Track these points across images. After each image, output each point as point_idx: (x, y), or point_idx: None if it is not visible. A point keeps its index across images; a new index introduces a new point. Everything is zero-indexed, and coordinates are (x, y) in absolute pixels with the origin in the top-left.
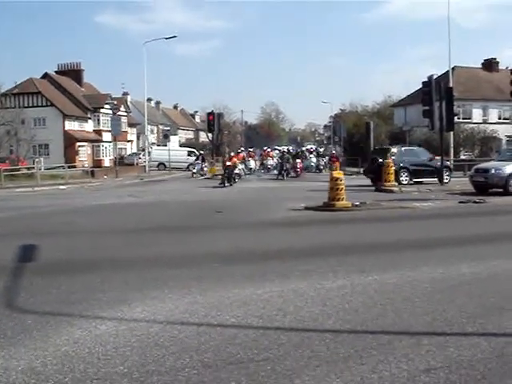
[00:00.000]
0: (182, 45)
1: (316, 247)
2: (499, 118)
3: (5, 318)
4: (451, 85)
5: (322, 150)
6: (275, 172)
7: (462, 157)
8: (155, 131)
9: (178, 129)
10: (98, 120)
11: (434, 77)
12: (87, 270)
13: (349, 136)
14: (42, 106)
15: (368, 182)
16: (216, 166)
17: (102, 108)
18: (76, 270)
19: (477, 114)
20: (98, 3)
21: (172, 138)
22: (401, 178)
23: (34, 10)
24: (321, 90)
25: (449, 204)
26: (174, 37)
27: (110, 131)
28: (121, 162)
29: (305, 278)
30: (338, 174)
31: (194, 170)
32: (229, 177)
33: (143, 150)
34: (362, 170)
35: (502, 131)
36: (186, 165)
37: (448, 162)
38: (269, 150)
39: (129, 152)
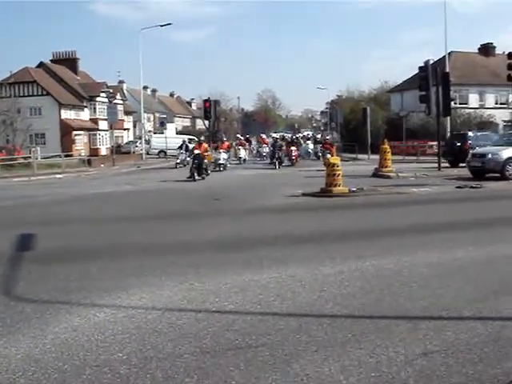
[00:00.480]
0: (177, 32)
1: (313, 233)
2: (496, 103)
3: (3, 306)
4: (447, 70)
5: (319, 136)
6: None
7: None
8: (152, 119)
9: (175, 116)
10: (94, 108)
11: (431, 62)
12: (85, 259)
13: (345, 122)
14: (38, 95)
15: (365, 168)
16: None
17: (98, 96)
18: (74, 259)
19: (473, 99)
20: None
21: (168, 125)
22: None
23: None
24: (317, 76)
25: (446, 189)
26: (169, 24)
27: (106, 119)
28: (117, 150)
29: (302, 264)
30: (334, 159)
31: (178, 161)
32: (198, 168)
33: (140, 138)
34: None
35: (499, 116)
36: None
37: None
38: (264, 136)
39: (125, 140)
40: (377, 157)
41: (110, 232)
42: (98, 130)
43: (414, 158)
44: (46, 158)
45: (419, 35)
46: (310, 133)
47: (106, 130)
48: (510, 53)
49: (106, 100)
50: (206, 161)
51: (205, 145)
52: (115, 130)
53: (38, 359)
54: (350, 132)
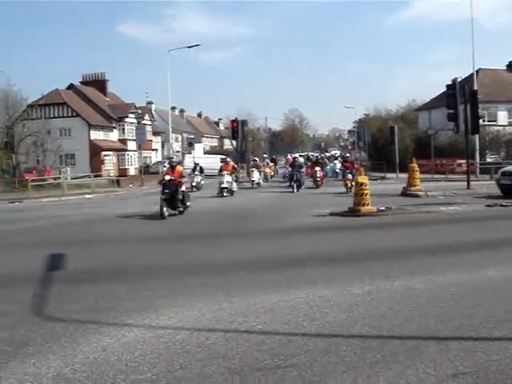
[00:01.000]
0: (204, 53)
1: (341, 253)
2: None
3: (34, 325)
4: (475, 87)
5: (348, 155)
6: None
7: (488, 160)
8: (180, 139)
9: (203, 136)
10: (123, 129)
11: (458, 79)
12: (114, 279)
13: (373, 141)
14: (68, 117)
15: (394, 186)
16: (240, 172)
17: (127, 117)
18: (103, 279)
19: (502, 117)
20: (119, 13)
21: (196, 145)
22: None
23: (56, 22)
24: (344, 95)
25: (475, 208)
26: (197, 45)
27: (134, 140)
28: (146, 170)
29: (331, 284)
30: (362, 179)
31: (194, 183)
32: (172, 199)
33: (168, 158)
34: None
35: None
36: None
37: None
38: (289, 156)
39: (154, 160)
40: (405, 175)
41: (139, 252)
42: (127, 150)
43: (443, 176)
44: (76, 178)
45: (446, 52)
46: (338, 152)
47: (135, 151)
48: None
49: (134, 121)
50: (183, 188)
51: (179, 168)
52: (143, 151)
53: (69, 378)
54: (378, 151)
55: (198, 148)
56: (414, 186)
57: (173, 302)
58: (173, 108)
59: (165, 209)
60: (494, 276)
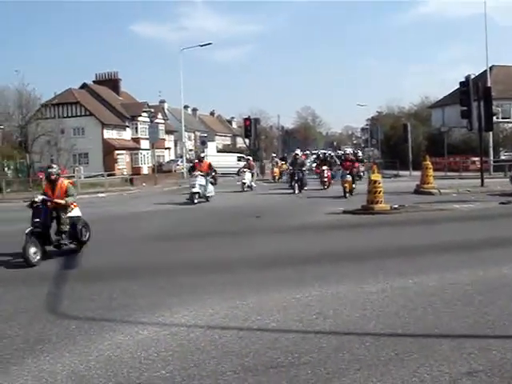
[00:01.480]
0: (217, 51)
1: (355, 250)
2: None
3: (49, 323)
4: (489, 84)
5: (360, 153)
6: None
7: (502, 157)
8: (192, 138)
9: (215, 135)
10: (136, 128)
11: (472, 76)
12: (127, 277)
13: (386, 138)
14: (81, 116)
15: (407, 184)
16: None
17: (140, 116)
18: (117, 277)
19: None
20: (133, 12)
21: (209, 144)
22: None
23: (70, 21)
24: (357, 92)
25: (489, 205)
26: (210, 44)
27: (147, 139)
28: (159, 169)
29: (344, 282)
30: (375, 176)
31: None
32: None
33: (181, 156)
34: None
35: None
36: (236, 170)
37: None
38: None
39: (167, 159)
40: (418, 173)
41: (152, 250)
42: (140, 149)
43: (456, 173)
44: (89, 177)
45: (460, 49)
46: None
47: (148, 149)
48: None
49: (147, 119)
50: (67, 215)
51: (207, 161)
52: (156, 149)
53: (83, 376)
54: (391, 148)
55: (211, 146)
56: (428, 183)
57: (186, 300)
58: (185, 107)
59: (32, 250)
60: (508, 273)
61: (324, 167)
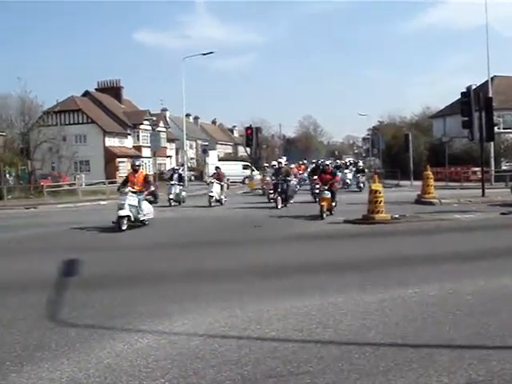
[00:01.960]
0: (219, 60)
1: (354, 260)
2: None
3: (49, 331)
4: (490, 94)
5: (361, 163)
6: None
7: (504, 167)
8: (194, 146)
9: (217, 143)
10: (138, 136)
11: (473, 87)
12: (128, 285)
13: (387, 148)
14: (83, 123)
15: (408, 194)
16: (254, 180)
17: (142, 124)
18: (117, 285)
19: None
20: (136, 21)
21: (211, 152)
22: None
23: (72, 29)
24: (358, 102)
25: (490, 215)
26: (212, 52)
27: (149, 147)
28: (160, 177)
29: (344, 292)
30: (376, 186)
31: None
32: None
33: (182, 164)
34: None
35: None
36: (242, 178)
37: None
38: (299, 163)
39: (168, 167)
40: (419, 183)
41: (152, 258)
42: (141, 157)
43: (458, 184)
44: (91, 184)
45: (462, 59)
46: (351, 159)
47: (149, 157)
48: None
49: (149, 128)
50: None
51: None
52: (158, 157)
53: (82, 383)
54: (392, 158)
55: (213, 155)
56: (429, 193)
57: (186, 309)
58: (187, 115)
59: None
60: (509, 284)
61: (315, 177)
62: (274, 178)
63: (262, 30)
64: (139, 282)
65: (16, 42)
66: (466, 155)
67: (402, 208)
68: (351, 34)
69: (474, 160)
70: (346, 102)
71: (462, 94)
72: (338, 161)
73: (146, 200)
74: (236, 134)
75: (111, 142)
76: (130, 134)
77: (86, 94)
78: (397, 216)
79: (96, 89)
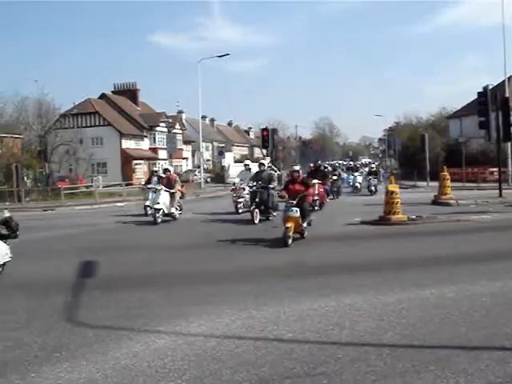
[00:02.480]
0: (235, 62)
1: (372, 261)
2: None
3: (67, 331)
4: (507, 94)
5: (373, 165)
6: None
7: None
8: (210, 148)
9: (233, 145)
10: (154, 138)
11: (490, 87)
12: (144, 286)
13: (404, 149)
14: (100, 126)
15: (424, 195)
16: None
17: (158, 126)
18: (134, 286)
19: None
20: (151, 23)
21: (227, 154)
22: None
23: (88, 32)
24: (375, 103)
25: (507, 216)
26: (228, 54)
27: (165, 149)
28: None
29: (361, 293)
30: (393, 187)
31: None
32: None
33: (198, 166)
34: None
35: None
36: None
37: None
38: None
39: (184, 169)
40: (436, 184)
41: (168, 260)
42: (158, 159)
43: (474, 184)
44: (108, 186)
45: (479, 60)
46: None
47: (166, 159)
48: None
49: (165, 130)
50: None
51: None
52: (174, 159)
53: None
54: (409, 159)
55: (229, 157)
56: (445, 194)
57: (203, 310)
58: (203, 117)
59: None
60: None
61: (314, 181)
62: (251, 183)
63: (277, 31)
64: (156, 284)
65: (33, 46)
66: (483, 156)
67: (419, 209)
68: (367, 34)
69: (491, 160)
70: (363, 102)
71: (479, 94)
72: (351, 162)
73: None
74: (252, 136)
75: (128, 144)
76: (146, 136)
77: (103, 96)
78: (413, 217)
79: (112, 91)
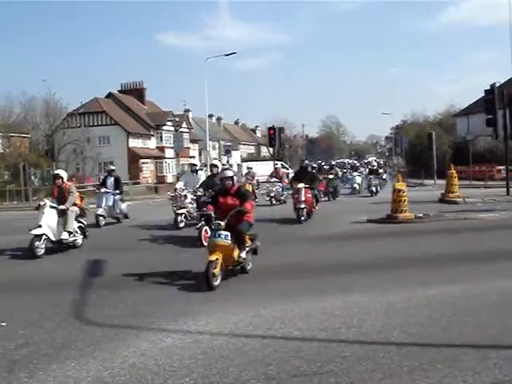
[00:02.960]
0: (241, 60)
1: (379, 260)
2: None
3: (75, 330)
4: None
5: (375, 163)
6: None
7: None
8: (217, 147)
9: (240, 144)
10: (161, 137)
11: (497, 84)
12: (152, 285)
13: (411, 147)
14: (107, 125)
15: (431, 193)
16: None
17: (165, 125)
18: (141, 285)
19: None
20: (158, 22)
21: (233, 153)
22: None
23: (96, 31)
24: (382, 101)
25: None
26: (234, 53)
27: (172, 148)
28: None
29: (368, 291)
30: (400, 185)
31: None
32: None
33: (205, 165)
34: None
35: None
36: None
37: None
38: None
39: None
40: (443, 182)
41: (175, 260)
42: (165, 157)
43: (482, 182)
44: None
45: (485, 57)
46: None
47: (172, 158)
48: None
49: (172, 129)
50: None
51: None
52: (181, 158)
53: (107, 382)
54: (416, 157)
55: (235, 155)
56: (453, 192)
57: (210, 308)
58: (210, 116)
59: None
60: None
61: (300, 185)
62: (200, 191)
63: (284, 30)
64: (163, 283)
65: (41, 46)
66: (490, 154)
67: (426, 207)
68: (375, 32)
69: (499, 158)
70: (370, 101)
71: (486, 91)
72: (355, 161)
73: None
74: (259, 135)
75: (135, 143)
76: (153, 135)
77: (110, 95)
78: (421, 215)
79: (119, 90)
